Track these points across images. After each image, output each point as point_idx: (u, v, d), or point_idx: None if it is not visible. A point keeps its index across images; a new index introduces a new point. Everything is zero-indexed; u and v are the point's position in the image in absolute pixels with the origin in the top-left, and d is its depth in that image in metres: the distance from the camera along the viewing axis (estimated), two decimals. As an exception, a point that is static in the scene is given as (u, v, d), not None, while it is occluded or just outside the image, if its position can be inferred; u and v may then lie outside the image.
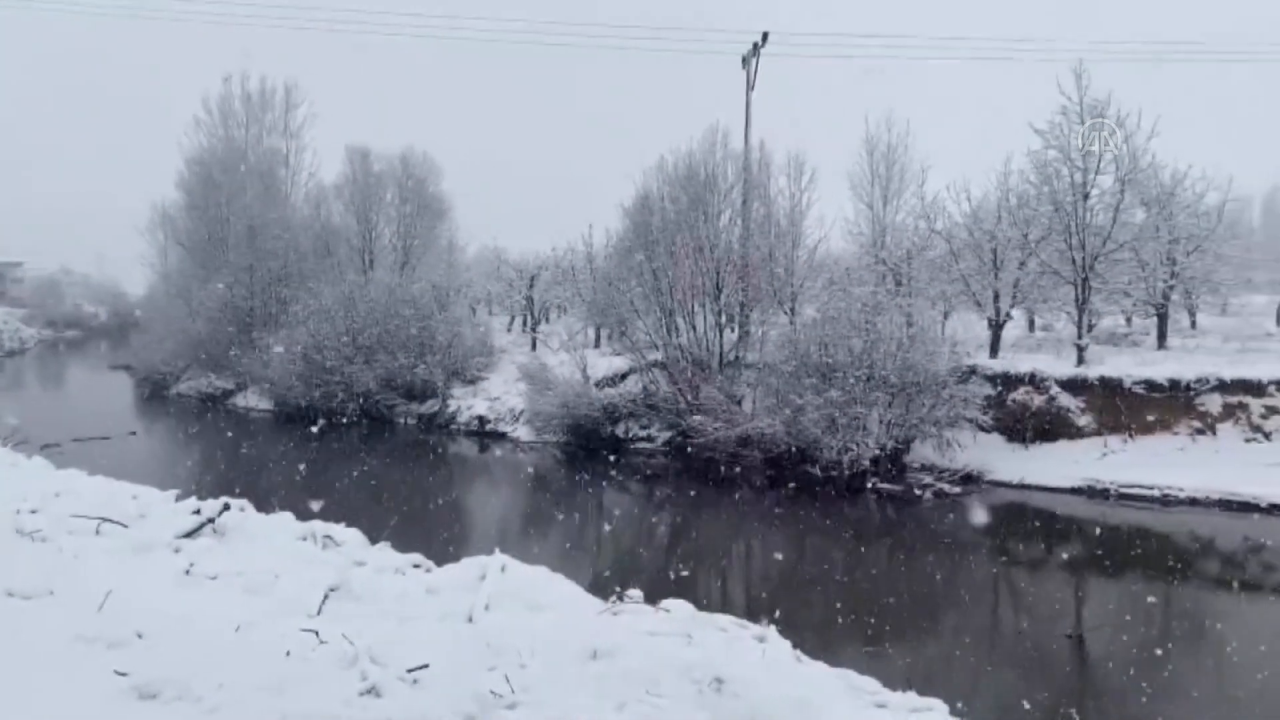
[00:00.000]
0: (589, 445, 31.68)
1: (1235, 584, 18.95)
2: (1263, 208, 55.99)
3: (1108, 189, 29.79)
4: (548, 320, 51.29)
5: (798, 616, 15.41)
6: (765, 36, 35.23)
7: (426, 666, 6.12)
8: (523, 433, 35.00)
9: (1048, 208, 30.47)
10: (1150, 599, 18.15)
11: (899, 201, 40.19)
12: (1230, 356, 28.93)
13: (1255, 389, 26.11)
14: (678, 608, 7.76)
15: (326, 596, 7.71)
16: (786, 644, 7.23)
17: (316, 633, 6.48)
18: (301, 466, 25.92)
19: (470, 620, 7.66)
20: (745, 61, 35.85)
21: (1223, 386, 26.57)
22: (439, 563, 9.91)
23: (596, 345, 41.10)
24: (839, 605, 16.50)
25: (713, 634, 7.16)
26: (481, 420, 37.20)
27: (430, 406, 39.42)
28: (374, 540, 10.40)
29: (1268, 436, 25.47)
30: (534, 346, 44.18)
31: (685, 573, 18.19)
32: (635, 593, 8.15)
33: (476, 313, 52.51)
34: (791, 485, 25.95)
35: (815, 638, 13.82)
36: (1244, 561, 20.70)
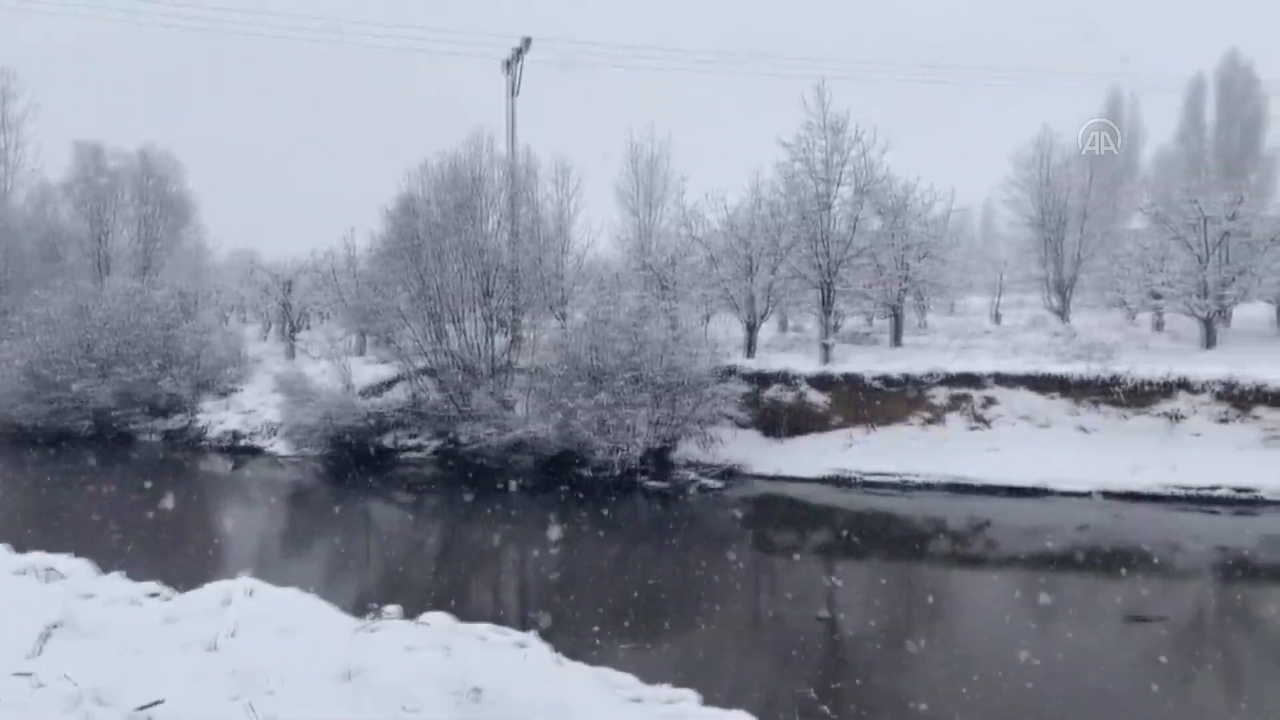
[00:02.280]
0: (354, 457, 30.56)
1: (964, 558, 20.93)
2: (982, 217, 62.03)
3: (848, 199, 32.15)
4: (308, 327, 49.02)
5: (565, 619, 15.57)
6: (528, 42, 35.41)
7: (161, 702, 5.72)
8: (281, 447, 33.27)
9: (795, 217, 32.47)
10: (892, 578, 19.75)
11: (662, 209, 41.62)
12: (955, 353, 31.84)
13: (976, 382, 28.91)
14: (437, 620, 7.66)
15: (47, 635, 7.05)
16: (546, 648, 7.31)
17: (33, 675, 5.90)
18: (24, 493, 23.41)
19: (214, 649, 7.25)
20: (508, 66, 35.86)
21: (949, 380, 29.19)
22: (183, 590, 9.29)
23: (361, 353, 39.73)
24: (607, 604, 16.81)
25: (472, 644, 7.12)
26: (234, 435, 35.05)
27: (177, 422, 36.73)
28: (108, 570, 9.60)
29: (987, 424, 28.28)
30: (292, 355, 42.12)
31: (453, 583, 17.97)
32: (394, 608, 7.98)
33: (228, 321, 49.45)
34: (564, 488, 26.19)
35: (580, 639, 14.03)
36: (971, 539, 22.83)
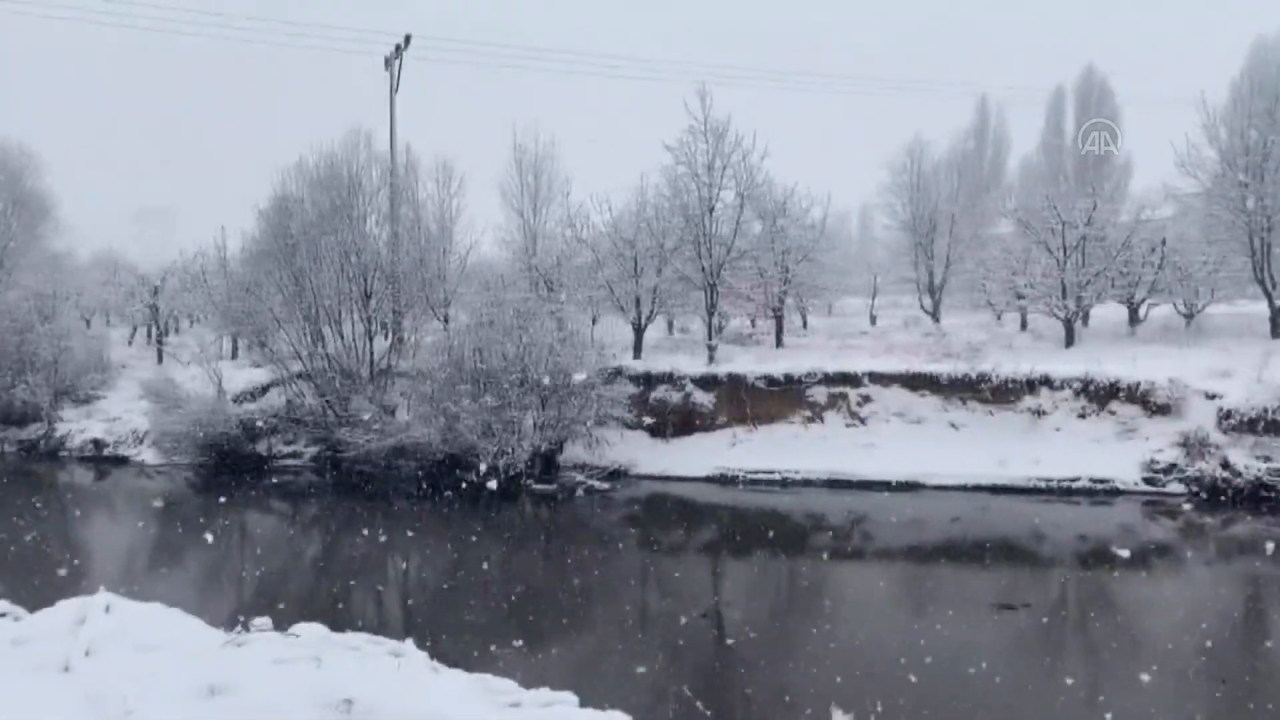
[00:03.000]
0: (228, 465, 29.43)
1: (842, 552, 21.49)
2: (859, 221, 63.93)
3: (730, 203, 32.69)
4: (177, 331, 47.01)
5: (446, 626, 15.36)
6: (408, 39, 34.77)
7: (2, 731, 5.36)
8: (149, 455, 31.79)
9: (680, 219, 32.84)
10: (775, 573, 20.17)
11: (548, 210, 41.44)
12: (834, 353, 32.74)
13: (853, 381, 29.77)
14: (309, 632, 7.43)
15: (-128, 666, 6.53)
16: (423, 656, 7.17)
17: None
18: None
19: (67, 670, 6.86)
20: (388, 63, 35.14)
21: (828, 379, 30.00)
22: (35, 609, 8.75)
23: (234, 357, 38.33)
24: (490, 610, 16.66)
25: (345, 655, 6.92)
26: (98, 444, 33.32)
27: (34, 431, 34.71)
28: (-52, 592, 8.96)
29: (863, 421, 29.17)
30: (160, 360, 40.31)
31: (330, 594, 17.49)
32: (263, 620, 7.70)
33: (91, 324, 46.90)
34: (448, 493, 25.81)
35: (461, 646, 13.88)
36: (849, 533, 23.45)
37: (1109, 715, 12.19)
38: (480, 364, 27.78)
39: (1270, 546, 19.80)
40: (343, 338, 30.72)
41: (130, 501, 29.00)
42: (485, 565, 19.87)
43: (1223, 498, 23.61)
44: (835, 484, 26.48)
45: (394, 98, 35.13)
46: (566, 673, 13.09)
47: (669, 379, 30.58)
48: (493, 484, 25.07)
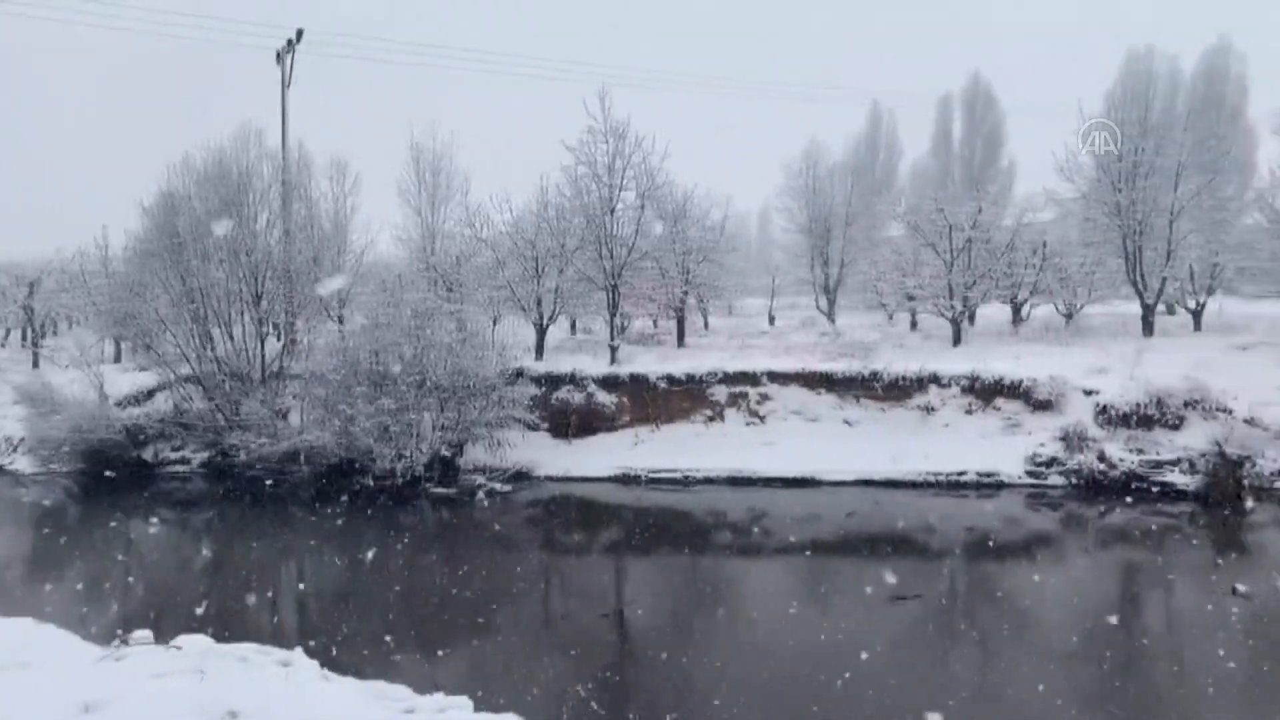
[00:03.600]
0: (111, 473, 28.13)
1: (743, 548, 21.79)
2: (758, 223, 65.02)
3: (631, 204, 32.82)
4: (55, 333, 44.76)
5: (341, 633, 15.02)
6: (300, 34, 33.83)
7: None
8: (24, 463, 30.17)
9: (581, 220, 32.82)
10: (676, 570, 20.32)
11: (447, 209, 40.86)
12: (734, 352, 33.22)
13: (752, 380, 30.25)
14: (192, 644, 7.17)
15: None
16: (314, 665, 7.00)
17: None
18: None
19: (-75, 694, 6.45)
20: (280, 57, 34.14)
21: (728, 379, 30.41)
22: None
23: (117, 360, 36.72)
24: (387, 616, 16.35)
25: (230, 666, 6.71)
26: (-34, 452, 31.43)
27: (-109, 441, 32.52)
28: None
29: (762, 419, 29.65)
30: (36, 364, 38.33)
31: (218, 604, 16.90)
32: (144, 633, 7.40)
33: (-42, 327, 44.32)
34: (344, 498, 25.25)
35: (356, 653, 13.61)
36: (749, 529, 23.77)
37: (995, 697, 12.70)
38: (377, 366, 27.26)
39: (1139, 533, 20.91)
40: (233, 339, 29.72)
41: (1, 512, 27.46)
42: (383, 571, 19.50)
43: (1100, 488, 24.78)
44: (736, 481, 26.84)
45: (286, 93, 34.14)
46: (465, 677, 12.97)
47: (572, 380, 30.52)
48: (392, 485, 24.61)
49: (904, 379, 29.06)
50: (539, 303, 32.98)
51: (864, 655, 13.84)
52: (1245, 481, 23.48)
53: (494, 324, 35.41)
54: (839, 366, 30.05)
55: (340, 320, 33.45)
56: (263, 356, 29.96)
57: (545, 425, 29.55)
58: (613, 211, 32.45)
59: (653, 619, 16.73)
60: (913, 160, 58.24)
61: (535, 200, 34.13)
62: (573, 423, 29.88)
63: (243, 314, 29.95)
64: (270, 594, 18.63)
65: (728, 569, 20.53)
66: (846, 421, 29.07)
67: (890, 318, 41.05)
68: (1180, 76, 43.20)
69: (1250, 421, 25.34)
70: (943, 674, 13.91)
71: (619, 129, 31.90)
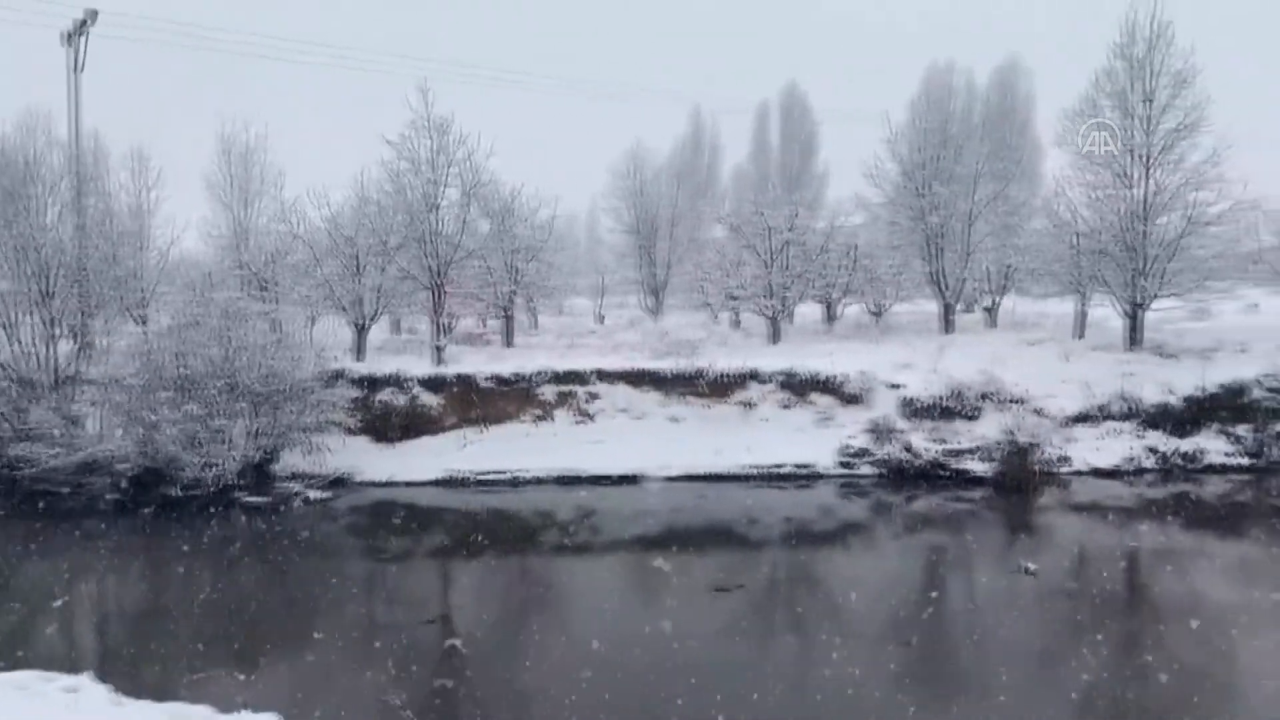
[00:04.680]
0: None
1: (571, 547, 21.81)
2: (587, 223, 65.36)
3: (456, 201, 32.30)
4: None
5: (140, 654, 14.08)
6: (94, 15, 31.47)
7: None
8: None
9: (403, 217, 32.03)
10: (505, 573, 20.14)
11: (260, 204, 38.98)
12: (562, 351, 33.27)
13: (581, 379, 30.39)
14: (-41, 675, 6.54)
15: None
16: (104, 689, 6.52)
17: None
18: None
19: None
20: (69, 39, 31.64)
21: (557, 378, 30.43)
22: None
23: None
24: (191, 633, 15.42)
25: (8, 695, 6.16)
26: None
27: None
28: None
29: (591, 418, 29.83)
30: None
31: None
32: (-99, 667, 6.69)
33: None
34: (149, 510, 23.70)
35: (156, 674, 12.79)
36: (578, 528, 23.83)
37: (811, 679, 13.24)
38: (183, 369, 25.72)
39: (940, 518, 22.34)
40: (19, 342, 27.31)
41: None
42: (190, 585, 18.41)
43: (906, 477, 26.29)
44: (565, 481, 26.86)
45: (77, 78, 31.69)
46: (276, 693, 12.36)
47: (394, 381, 29.75)
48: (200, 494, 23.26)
49: (727, 376, 29.92)
50: (359, 302, 31.96)
51: (687, 647, 14.16)
52: (1034, 467, 25.45)
53: (311, 324, 34.07)
54: (665, 365, 30.62)
55: (142, 321, 31.35)
56: (54, 360, 27.66)
57: (367, 429, 28.68)
58: (436, 208, 31.84)
59: (478, 623, 16.53)
60: (734, 164, 60.04)
61: (355, 195, 33.09)
62: (395, 426, 29.12)
63: (30, 314, 27.58)
64: (62, 616, 17.22)
65: (556, 569, 20.52)
66: (673, 418, 29.64)
67: (714, 316, 42.16)
68: (976, 89, 46.46)
69: (1038, 411, 27.51)
70: (762, 660, 14.41)
71: (442, 124, 31.36)
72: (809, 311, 41.63)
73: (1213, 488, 25.18)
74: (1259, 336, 30.52)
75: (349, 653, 14.75)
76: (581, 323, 44.55)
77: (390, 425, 29.05)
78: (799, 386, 29.68)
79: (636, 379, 30.32)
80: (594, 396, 30.17)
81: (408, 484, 26.80)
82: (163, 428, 24.71)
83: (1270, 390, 27.44)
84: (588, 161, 53.72)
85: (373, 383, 29.53)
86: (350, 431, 27.93)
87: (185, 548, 20.88)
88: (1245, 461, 26.40)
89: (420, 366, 30.93)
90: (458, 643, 15.05)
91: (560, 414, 30.05)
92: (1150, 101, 30.00)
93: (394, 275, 32.12)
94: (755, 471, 26.77)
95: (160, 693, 8.37)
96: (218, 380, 25.30)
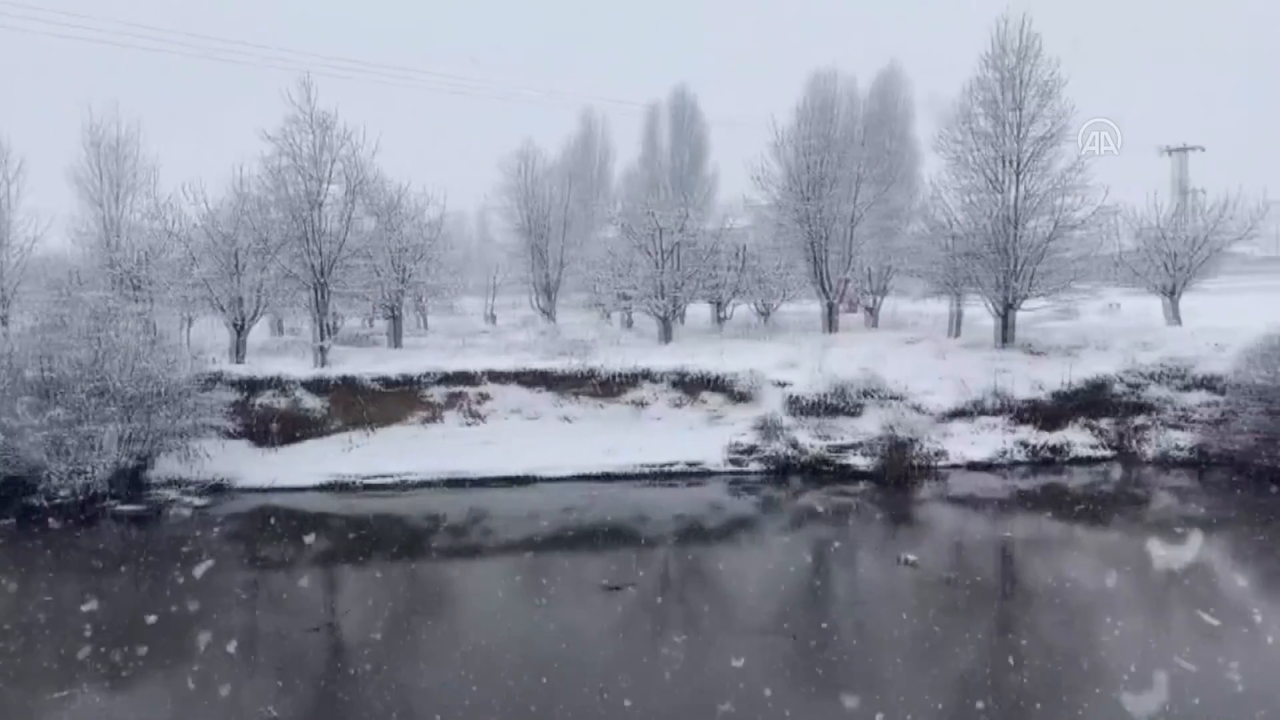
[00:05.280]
0: None
1: (462, 550, 21.58)
2: (478, 222, 64.57)
3: (339, 198, 31.52)
4: None
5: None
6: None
7: None
8: None
9: (284, 214, 31.10)
10: (393, 579, 19.74)
11: (132, 200, 37.20)
12: (453, 352, 32.86)
13: (471, 379, 30.08)
14: None
15: None
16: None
17: None
18: None
19: None
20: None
21: (447, 379, 30.05)
22: None
23: None
24: (56, 651, 14.67)
25: None
26: None
27: None
28: None
29: (482, 419, 29.55)
30: None
31: None
32: None
33: None
34: (9, 521, 22.42)
35: (14, 697, 12.15)
36: (469, 531, 23.58)
37: (700, 673, 13.43)
38: (48, 372, 24.43)
39: (825, 512, 22.94)
40: None
41: None
42: (54, 600, 17.50)
43: (793, 472, 26.89)
44: (455, 483, 26.53)
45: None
46: (147, 710, 11.89)
47: (276, 383, 28.89)
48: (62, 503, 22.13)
49: (619, 376, 30.06)
50: (238, 302, 30.87)
51: (578, 646, 14.20)
52: (913, 461, 26.37)
53: (188, 325, 32.77)
54: (557, 365, 30.57)
55: (3, 322, 29.63)
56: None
57: (247, 433, 27.78)
58: (319, 206, 31.02)
59: (366, 630, 16.17)
60: (625, 165, 60.27)
61: (234, 192, 31.96)
62: (277, 429, 28.27)
63: None
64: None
65: (445, 572, 20.27)
66: (565, 418, 29.62)
67: (607, 316, 42.28)
68: (858, 96, 47.75)
69: (917, 408, 28.51)
70: (652, 656, 14.53)
71: (325, 120, 30.57)
72: (700, 311, 42.18)
73: (1079, 479, 26.54)
74: (1118, 335, 32.30)
75: (228, 665, 14.25)
76: (472, 323, 44.10)
77: (272, 429, 28.18)
78: (690, 385, 30.04)
79: (528, 379, 30.19)
80: (485, 397, 29.90)
81: (291, 489, 26.06)
82: (25, 434, 23.42)
83: (1130, 386, 29.07)
84: (479, 160, 53.19)
85: (253, 385, 28.61)
86: (230, 436, 26.99)
87: (49, 560, 19.86)
88: (1108, 453, 27.88)
89: (303, 368, 30.12)
90: (345, 651, 14.73)
91: (450, 415, 29.69)
92: (1020, 110, 31.42)
93: (275, 274, 31.15)
94: (647, 470, 26.96)
95: (19, 714, 7.92)
96: (86, 384, 24.11)
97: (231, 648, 15.11)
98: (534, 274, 44.09)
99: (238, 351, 30.98)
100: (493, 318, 45.72)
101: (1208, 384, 28.16)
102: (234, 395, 27.37)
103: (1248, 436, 25.32)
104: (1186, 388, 28.53)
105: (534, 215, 43.28)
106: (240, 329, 31.13)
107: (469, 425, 29.50)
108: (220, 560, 21.22)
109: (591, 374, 30.11)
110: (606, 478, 26.61)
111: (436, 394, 29.79)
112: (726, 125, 55.25)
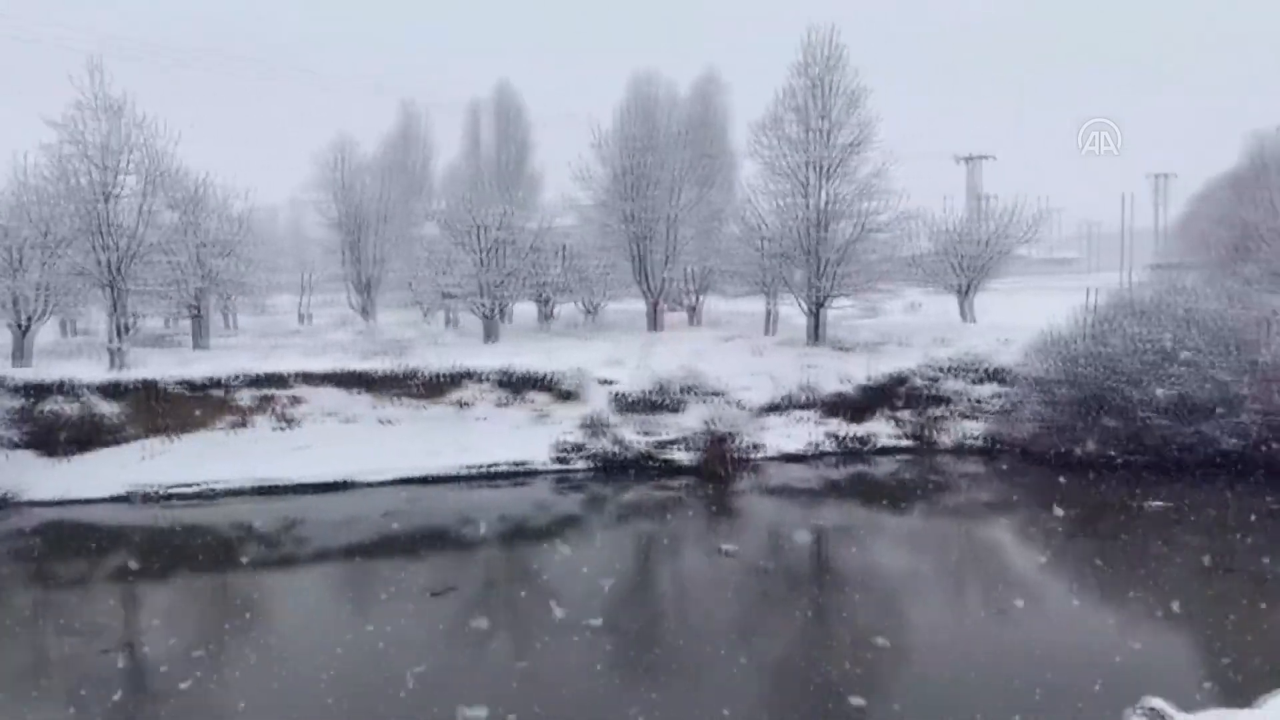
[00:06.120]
0: None
1: (274, 560, 20.67)
2: (290, 217, 61.88)
3: (135, 190, 29.50)
4: None
5: None
6: None
7: None
8: None
9: (71, 206, 28.81)
10: (198, 594, 18.71)
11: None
12: (262, 353, 31.39)
13: (282, 382, 28.81)
14: None
15: None
16: None
17: None
18: None
19: None
20: None
21: (256, 381, 28.65)
22: None
23: None
24: None
25: None
26: None
27: None
28: None
29: (295, 423, 28.36)
30: None
31: None
32: None
33: None
34: None
35: None
36: (282, 540, 22.61)
37: (527, 675, 13.43)
38: None
39: (648, 507, 23.40)
40: None
41: None
42: None
43: (618, 469, 27.23)
44: (267, 491, 25.36)
45: None
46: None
47: (65, 388, 26.75)
48: None
49: (441, 376, 29.55)
50: (19, 301, 28.36)
51: (399, 653, 13.90)
52: (731, 455, 27.23)
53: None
54: (376, 365, 29.74)
55: None
56: None
57: (33, 442, 25.61)
58: (111, 198, 28.91)
59: (166, 648, 15.20)
60: (447, 161, 59.23)
61: (14, 181, 29.34)
62: (67, 438, 26.18)
63: None
64: None
65: (256, 585, 19.33)
66: (384, 421, 28.85)
67: (427, 315, 41.48)
68: (678, 100, 48.79)
69: (735, 403, 29.44)
70: (477, 659, 14.43)
71: (116, 106, 28.50)
72: (528, 310, 42.05)
73: (883, 467, 28.14)
74: (918, 332, 34.49)
75: (11, 693, 13.12)
76: (286, 322, 42.35)
77: (60, 437, 26.07)
78: (515, 384, 29.89)
79: (345, 381, 29.21)
80: (298, 400, 28.72)
81: (84, 501, 24.24)
82: None
83: (928, 379, 31.04)
84: (296, 153, 50.97)
85: (38, 390, 26.40)
86: (13, 445, 24.80)
87: None
88: (909, 443, 29.68)
89: (96, 371, 28.03)
90: (145, 672, 13.84)
91: (260, 420, 28.35)
92: (826, 117, 32.98)
93: (63, 271, 28.83)
94: (471, 471, 26.64)
95: None
96: None
97: (14, 674, 13.93)
98: (351, 271, 42.72)
99: (20, 353, 28.49)
100: (306, 317, 43.98)
101: (997, 377, 30.41)
102: (15, 401, 25.18)
103: (1031, 425, 27.54)
104: (978, 380, 30.71)
105: (350, 210, 41.94)
106: (23, 329, 28.62)
107: (281, 430, 28.26)
108: (2, 581, 19.51)
109: (412, 374, 29.46)
110: (429, 481, 26.11)
111: (246, 397, 28.38)
112: (551, 124, 55.17)
